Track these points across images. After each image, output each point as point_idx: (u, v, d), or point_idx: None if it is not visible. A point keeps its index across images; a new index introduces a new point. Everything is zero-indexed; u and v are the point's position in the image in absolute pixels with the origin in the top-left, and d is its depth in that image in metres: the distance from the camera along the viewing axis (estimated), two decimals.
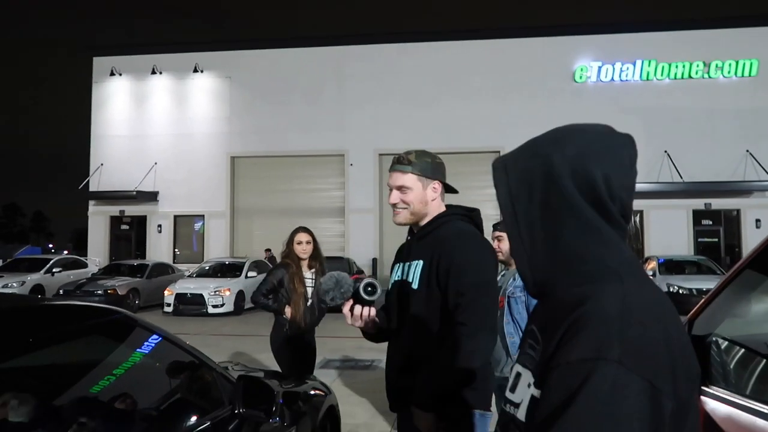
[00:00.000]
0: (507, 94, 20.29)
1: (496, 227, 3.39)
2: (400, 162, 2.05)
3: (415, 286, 1.98)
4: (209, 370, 2.25)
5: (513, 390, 0.93)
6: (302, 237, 4.31)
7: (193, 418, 1.93)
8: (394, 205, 2.06)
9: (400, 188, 2.03)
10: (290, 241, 4.35)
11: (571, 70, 20.41)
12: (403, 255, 2.15)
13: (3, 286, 15.33)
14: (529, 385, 0.87)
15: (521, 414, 0.87)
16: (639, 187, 18.32)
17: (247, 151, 21.65)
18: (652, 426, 0.72)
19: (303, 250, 4.28)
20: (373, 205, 20.76)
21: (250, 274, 15.44)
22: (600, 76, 20.30)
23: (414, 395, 1.89)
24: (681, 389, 0.76)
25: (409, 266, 2.04)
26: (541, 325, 0.90)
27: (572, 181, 0.87)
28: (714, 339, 1.96)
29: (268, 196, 21.51)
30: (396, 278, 2.12)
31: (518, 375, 0.93)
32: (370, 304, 1.89)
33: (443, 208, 2.10)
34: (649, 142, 19.35)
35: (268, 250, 18.84)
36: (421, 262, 1.99)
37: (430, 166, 2.06)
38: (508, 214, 0.95)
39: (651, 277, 0.92)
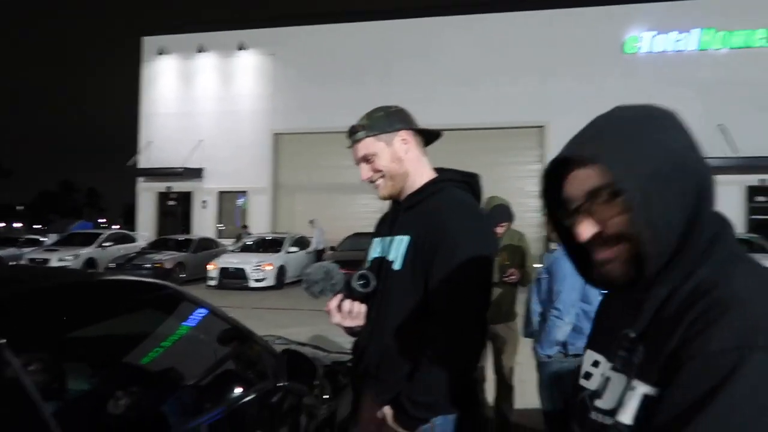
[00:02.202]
0: (553, 67, 19.71)
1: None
2: (352, 133, 1.77)
3: (396, 266, 1.66)
4: (254, 344, 2.31)
5: (600, 396, 0.86)
6: None
7: (239, 390, 1.99)
8: (370, 181, 1.78)
9: (365, 159, 1.75)
10: None
11: (621, 40, 19.64)
12: (385, 228, 1.82)
13: (59, 260, 16.06)
14: (628, 388, 0.80)
15: (626, 418, 0.78)
16: None
17: (289, 128, 21.80)
18: None
19: None
20: None
21: (291, 249, 15.70)
22: (652, 47, 19.48)
23: (398, 401, 1.57)
24: None
25: (391, 242, 1.72)
26: (641, 326, 0.81)
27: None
28: None
29: (310, 172, 21.67)
30: (374, 255, 1.80)
31: (608, 379, 0.85)
32: (362, 298, 1.66)
33: (426, 165, 1.79)
34: (703, 115, 18.55)
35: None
36: (406, 238, 1.67)
37: (383, 118, 1.77)
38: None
39: None
